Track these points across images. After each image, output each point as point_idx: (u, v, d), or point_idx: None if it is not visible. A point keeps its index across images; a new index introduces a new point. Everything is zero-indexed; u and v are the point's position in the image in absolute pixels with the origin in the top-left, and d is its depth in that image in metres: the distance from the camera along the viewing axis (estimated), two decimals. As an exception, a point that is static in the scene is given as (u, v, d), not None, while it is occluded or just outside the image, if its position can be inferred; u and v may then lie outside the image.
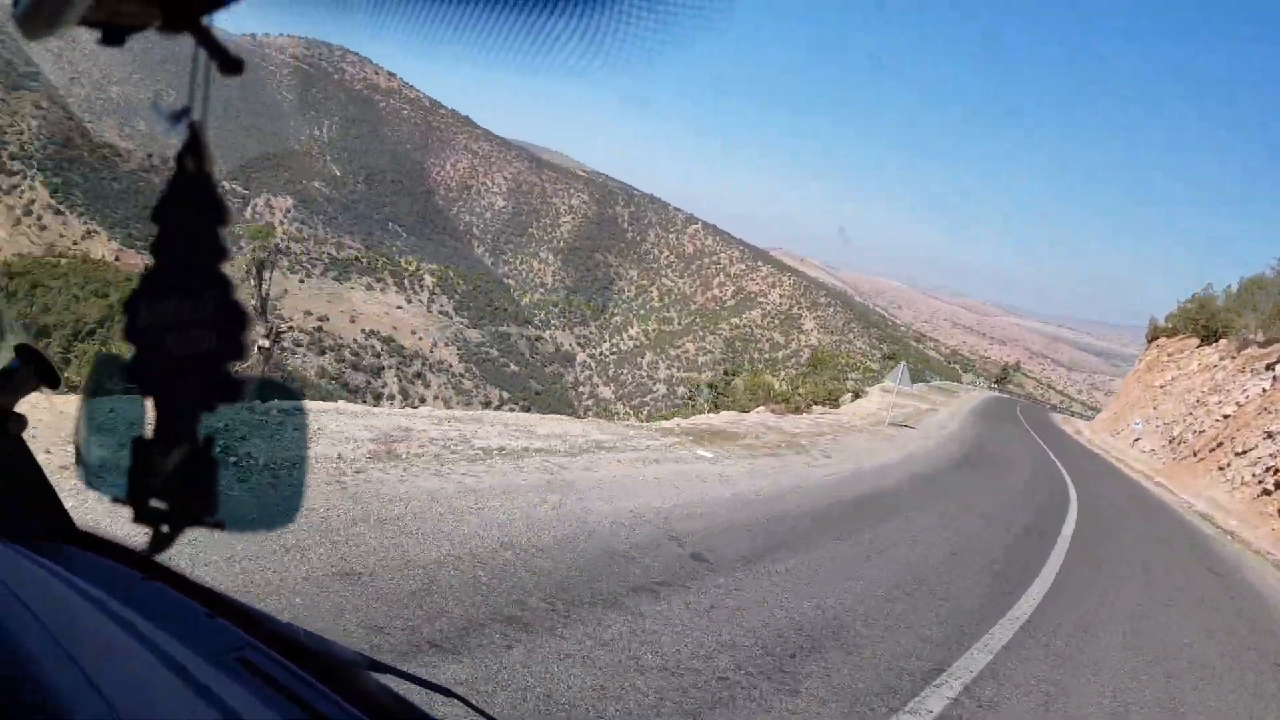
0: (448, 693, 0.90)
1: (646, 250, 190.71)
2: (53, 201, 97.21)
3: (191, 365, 0.47)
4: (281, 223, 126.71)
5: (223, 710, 0.70)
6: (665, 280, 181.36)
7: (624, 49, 0.44)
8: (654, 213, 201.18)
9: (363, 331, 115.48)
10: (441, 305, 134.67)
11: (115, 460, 0.52)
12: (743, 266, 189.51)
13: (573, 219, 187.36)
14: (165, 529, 0.49)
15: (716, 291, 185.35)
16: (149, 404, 0.48)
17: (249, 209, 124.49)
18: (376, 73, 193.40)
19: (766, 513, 7.27)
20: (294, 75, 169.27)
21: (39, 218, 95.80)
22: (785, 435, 12.72)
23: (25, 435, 0.94)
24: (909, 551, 7.06)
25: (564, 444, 8.00)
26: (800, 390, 21.46)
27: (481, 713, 0.86)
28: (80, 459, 0.73)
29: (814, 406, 20.38)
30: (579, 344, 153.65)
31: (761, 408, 18.67)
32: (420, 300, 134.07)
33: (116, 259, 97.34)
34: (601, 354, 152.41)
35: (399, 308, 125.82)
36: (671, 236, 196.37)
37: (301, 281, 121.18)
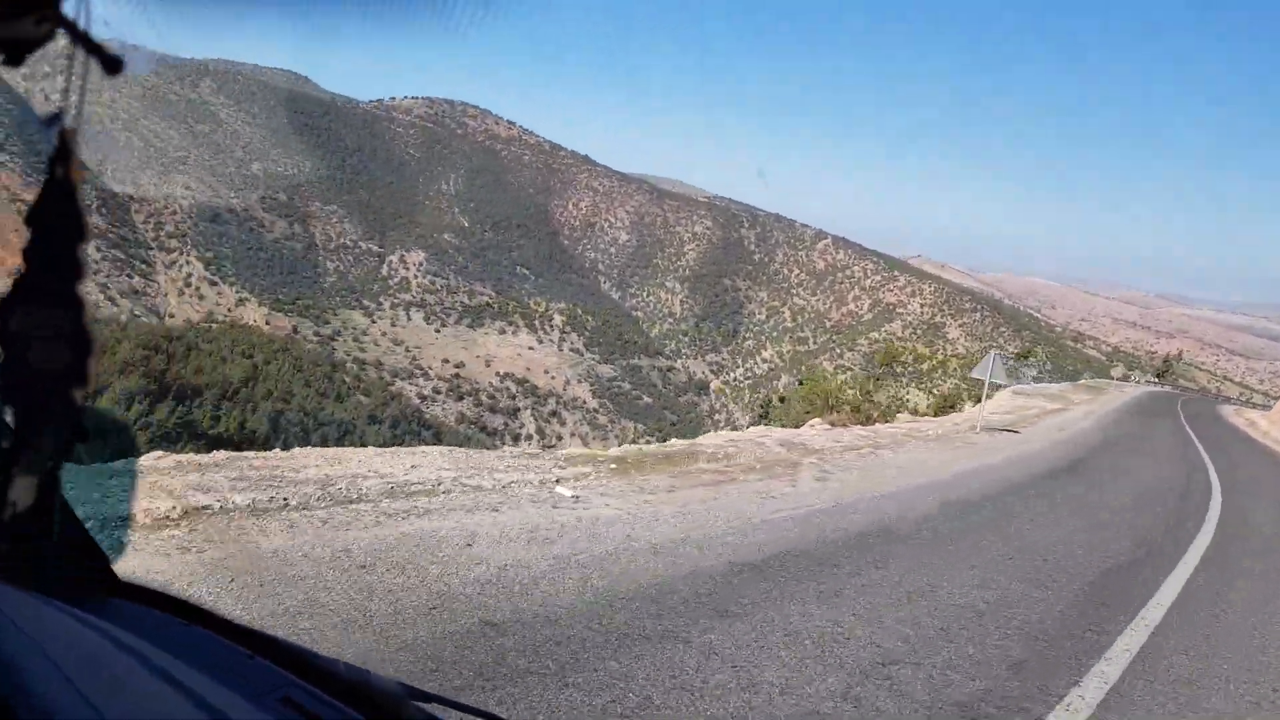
0: (494, 718, 0.90)
1: (775, 270, 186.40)
2: (207, 273, 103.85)
3: (48, 383, 0.47)
4: (415, 276, 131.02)
5: None
6: (797, 299, 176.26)
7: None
8: (780, 231, 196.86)
9: (497, 375, 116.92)
10: (572, 343, 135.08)
11: None
12: (879, 278, 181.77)
13: (697, 246, 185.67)
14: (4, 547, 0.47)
15: (852, 306, 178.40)
16: (8, 414, 0.47)
17: (384, 266, 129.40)
18: (497, 123, 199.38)
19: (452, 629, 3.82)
20: (419, 134, 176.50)
21: (197, 289, 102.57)
22: (786, 455, 9.37)
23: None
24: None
25: (348, 488, 5.20)
26: (875, 396, 18.17)
27: None
28: None
29: (899, 414, 17.19)
30: (712, 371, 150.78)
31: (818, 420, 15.39)
32: (551, 340, 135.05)
33: (266, 323, 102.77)
34: (735, 379, 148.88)
35: (531, 349, 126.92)
36: (801, 254, 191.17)
37: (438, 331, 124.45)
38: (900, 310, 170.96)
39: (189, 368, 28.71)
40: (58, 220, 0.44)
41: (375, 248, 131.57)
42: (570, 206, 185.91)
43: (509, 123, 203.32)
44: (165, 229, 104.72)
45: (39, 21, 0.43)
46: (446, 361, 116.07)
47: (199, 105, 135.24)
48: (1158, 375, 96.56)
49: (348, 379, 51.22)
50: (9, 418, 0.51)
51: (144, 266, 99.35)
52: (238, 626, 0.92)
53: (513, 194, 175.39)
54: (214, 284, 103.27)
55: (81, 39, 0.43)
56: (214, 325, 72.30)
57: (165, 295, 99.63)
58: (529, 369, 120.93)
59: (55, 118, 0.43)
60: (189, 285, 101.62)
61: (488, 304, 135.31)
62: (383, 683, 0.84)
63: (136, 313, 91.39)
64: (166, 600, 1.00)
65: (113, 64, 0.43)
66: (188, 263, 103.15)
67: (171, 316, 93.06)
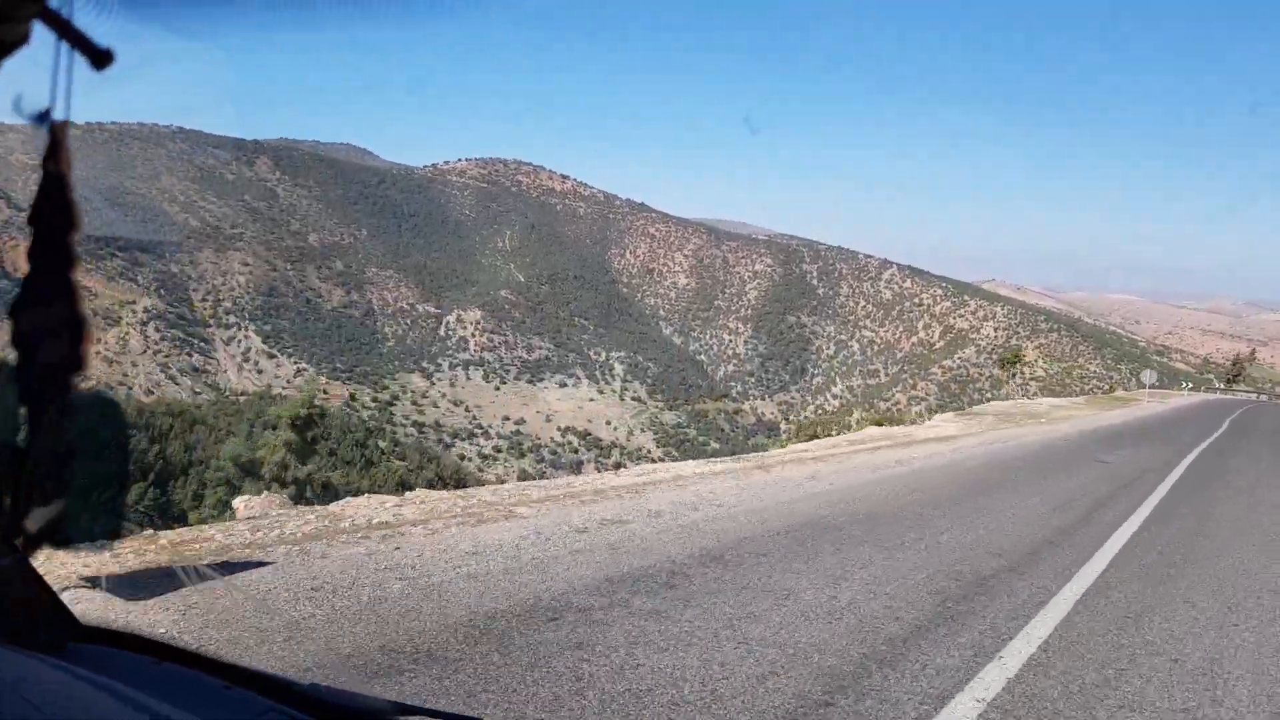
0: None
1: (841, 304, 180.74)
2: (265, 347, 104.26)
3: (48, 374, 0.47)
4: (473, 335, 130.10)
5: None
6: (865, 331, 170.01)
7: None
8: (844, 264, 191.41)
9: (559, 429, 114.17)
10: (634, 392, 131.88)
11: None
12: (948, 304, 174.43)
13: (759, 285, 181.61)
14: (22, 546, 0.50)
15: (923, 335, 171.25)
16: (23, 411, 0.48)
17: (442, 326, 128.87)
18: (550, 177, 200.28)
19: None
20: (474, 195, 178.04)
21: (255, 363, 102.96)
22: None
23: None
24: None
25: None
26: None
27: None
28: None
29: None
30: (781, 410, 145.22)
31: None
32: (613, 390, 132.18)
33: (324, 391, 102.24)
34: (805, 418, 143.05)
35: (591, 400, 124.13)
36: (866, 285, 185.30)
37: (497, 389, 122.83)
38: (973, 335, 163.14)
39: (179, 445, 26.30)
40: (53, 214, 0.46)
41: (432, 309, 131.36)
42: (627, 254, 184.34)
43: (562, 176, 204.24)
44: (223, 305, 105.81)
45: (21, 20, 0.42)
46: (507, 419, 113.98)
47: (255, 183, 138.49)
48: (1226, 381, 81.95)
49: (382, 444, 48.49)
50: (23, 418, 0.51)
51: (203, 344, 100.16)
52: (211, 660, 0.92)
53: (569, 246, 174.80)
54: (272, 356, 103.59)
55: (66, 32, 0.43)
56: (241, 398, 71.11)
57: (225, 371, 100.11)
58: (590, 421, 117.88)
59: (44, 114, 0.43)
60: (247, 359, 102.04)
61: (546, 358, 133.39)
62: (368, 701, 0.83)
63: (197, 390, 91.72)
64: (134, 640, 0.99)
65: (101, 57, 0.42)
66: (246, 337, 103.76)
67: (231, 392, 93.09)
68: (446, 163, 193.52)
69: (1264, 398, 70.48)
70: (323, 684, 0.83)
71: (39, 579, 0.90)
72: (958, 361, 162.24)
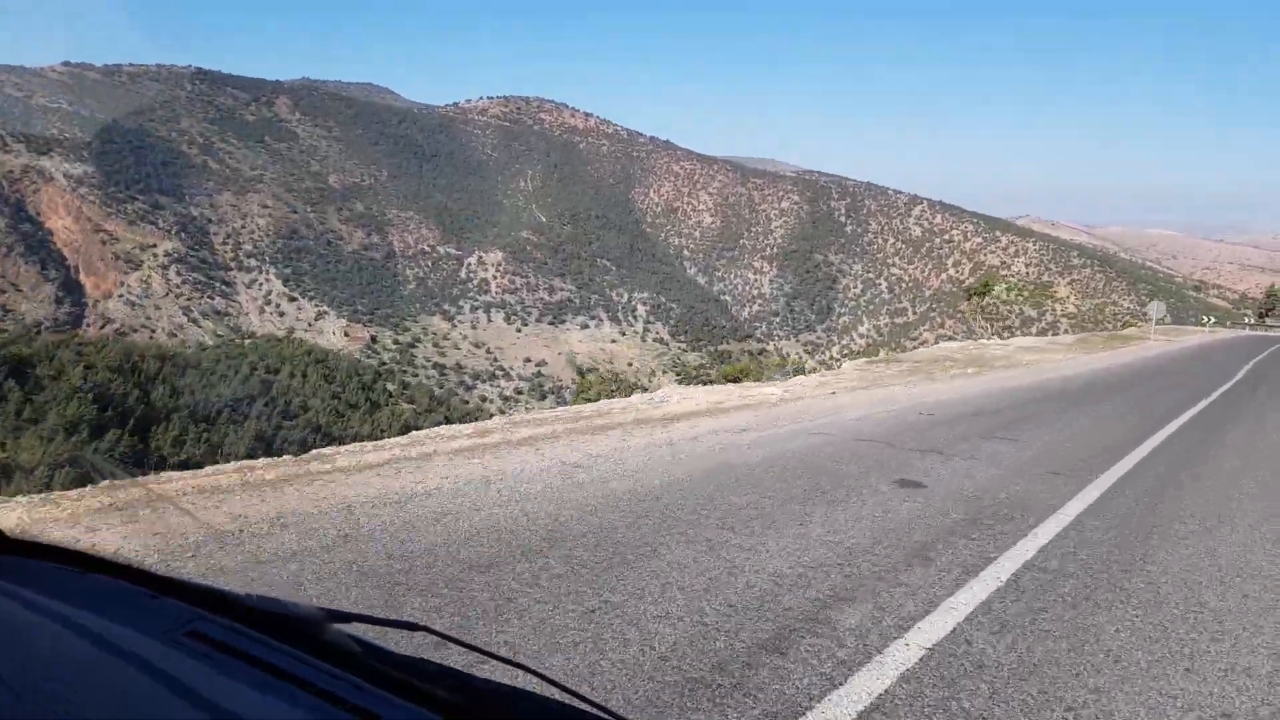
0: (413, 626, 0.89)
1: (869, 241, 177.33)
2: (286, 290, 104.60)
3: None
4: (495, 276, 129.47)
5: (173, 684, 0.71)
6: (893, 270, 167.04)
7: None
8: (872, 200, 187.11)
9: (578, 370, 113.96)
10: (656, 333, 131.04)
11: None
12: (979, 240, 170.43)
13: (785, 223, 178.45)
14: None
15: (952, 272, 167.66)
16: None
17: (463, 269, 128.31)
18: (573, 115, 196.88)
19: None
20: (496, 134, 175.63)
21: (277, 305, 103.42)
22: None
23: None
24: None
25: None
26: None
27: (448, 638, 0.87)
28: None
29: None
30: (806, 351, 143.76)
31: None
32: (635, 330, 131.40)
33: (345, 334, 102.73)
34: (832, 358, 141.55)
35: (613, 341, 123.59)
36: (895, 222, 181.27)
37: (519, 331, 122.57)
38: (1004, 272, 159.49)
39: (163, 391, 26.03)
40: None
41: (453, 251, 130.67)
42: (651, 193, 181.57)
43: (585, 114, 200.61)
44: (244, 248, 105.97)
45: None
46: (528, 360, 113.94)
47: (275, 123, 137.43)
48: (1259, 316, 73.74)
49: (390, 387, 48.33)
50: None
51: (225, 287, 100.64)
52: (138, 570, 0.91)
53: (591, 186, 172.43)
54: (293, 299, 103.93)
55: None
56: (238, 341, 71.38)
57: (247, 314, 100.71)
58: (612, 362, 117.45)
59: None
60: (269, 303, 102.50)
61: (568, 299, 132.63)
62: (299, 608, 0.82)
63: (219, 333, 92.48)
64: (61, 552, 0.98)
65: None
66: (267, 280, 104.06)
67: (253, 335, 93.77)
68: (468, 101, 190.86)
69: None
70: (253, 594, 0.83)
71: None
72: (989, 300, 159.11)
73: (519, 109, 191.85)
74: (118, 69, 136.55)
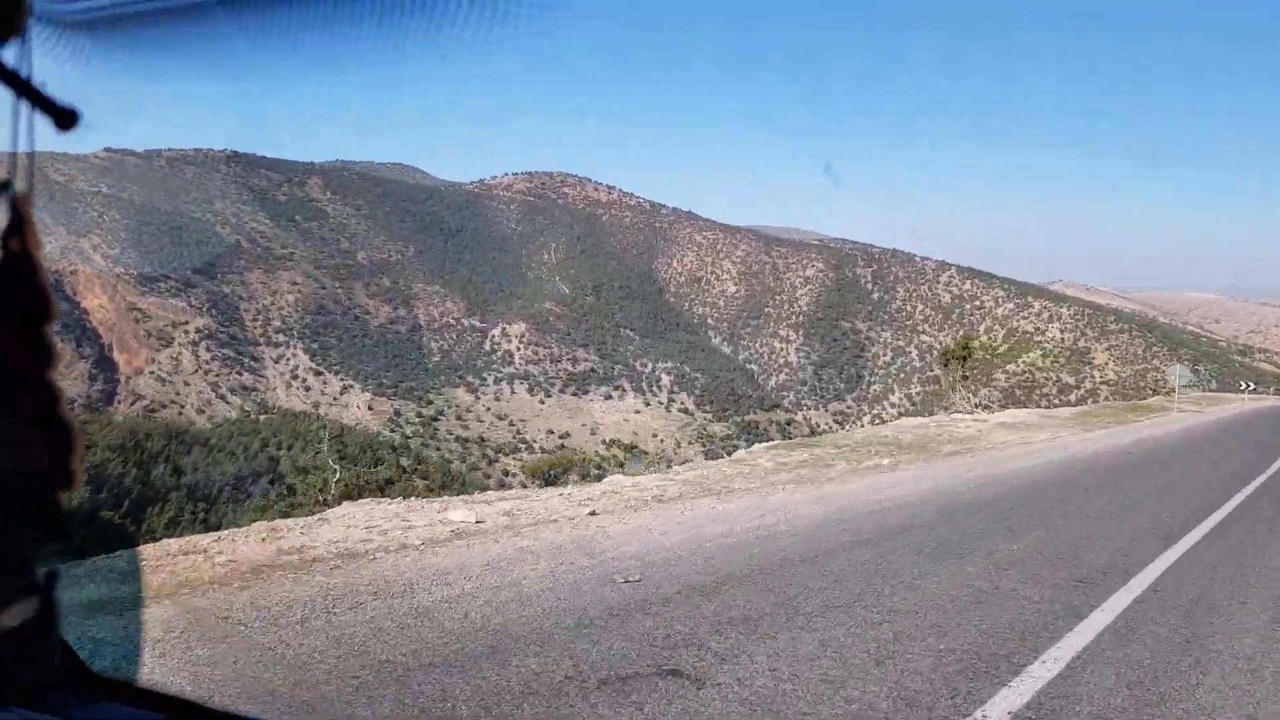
0: None
1: (897, 308, 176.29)
2: (313, 364, 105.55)
3: (21, 487, 0.40)
4: (518, 348, 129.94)
5: None
6: (924, 337, 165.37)
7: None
8: (899, 267, 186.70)
9: (603, 442, 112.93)
10: (681, 403, 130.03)
11: None
12: (1011, 306, 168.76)
13: (810, 290, 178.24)
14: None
15: (984, 338, 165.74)
16: None
17: (487, 341, 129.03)
18: (596, 189, 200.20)
19: None
20: (520, 208, 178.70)
21: (303, 380, 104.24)
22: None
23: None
24: None
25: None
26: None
27: None
28: None
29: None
30: (836, 421, 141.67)
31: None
32: (659, 401, 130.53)
33: (370, 407, 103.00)
34: (863, 428, 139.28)
35: (637, 412, 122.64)
36: (924, 289, 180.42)
37: (542, 402, 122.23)
38: (1038, 338, 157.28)
39: (164, 470, 25.69)
40: (22, 301, 0.39)
41: (478, 323, 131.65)
42: (674, 263, 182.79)
43: (609, 187, 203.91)
44: (273, 324, 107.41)
45: None
46: (551, 432, 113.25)
47: (306, 203, 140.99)
48: None
49: (404, 462, 47.68)
50: None
51: (253, 363, 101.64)
52: (215, 712, 0.87)
53: (615, 257, 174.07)
54: (319, 374, 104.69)
55: (27, 92, 0.39)
56: (253, 416, 71.61)
57: (274, 389, 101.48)
58: (636, 433, 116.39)
59: (4, 185, 0.37)
60: (295, 377, 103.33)
61: (592, 370, 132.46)
62: None
63: (246, 408, 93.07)
64: (144, 694, 0.95)
65: (65, 117, 0.38)
66: (294, 355, 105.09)
67: (274, 409, 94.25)
68: (493, 178, 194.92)
69: None
70: None
71: (55, 625, 0.77)
72: (1022, 365, 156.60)
73: (543, 184, 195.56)
74: (157, 154, 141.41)
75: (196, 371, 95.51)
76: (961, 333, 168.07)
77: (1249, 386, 46.52)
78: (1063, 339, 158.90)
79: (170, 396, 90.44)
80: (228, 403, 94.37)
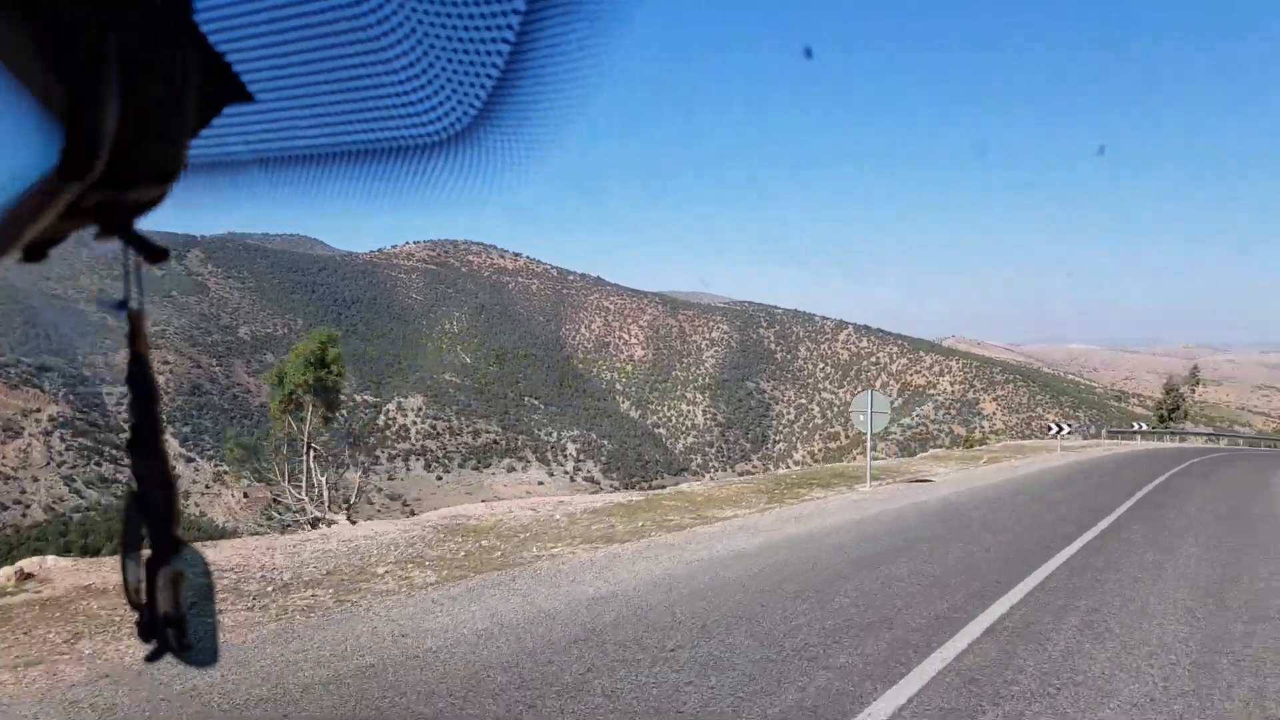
0: None
1: (799, 367, 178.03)
2: (183, 450, 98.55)
3: (154, 513, 0.55)
4: (414, 423, 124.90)
5: None
6: (824, 394, 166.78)
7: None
8: (800, 326, 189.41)
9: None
10: (587, 471, 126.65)
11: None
12: (905, 361, 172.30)
13: (716, 352, 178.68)
14: (157, 646, 0.55)
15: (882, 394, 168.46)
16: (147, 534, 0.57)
17: (381, 416, 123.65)
18: (502, 256, 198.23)
19: None
20: (422, 278, 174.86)
21: (172, 467, 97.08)
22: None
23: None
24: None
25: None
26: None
27: None
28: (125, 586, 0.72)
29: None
30: (743, 481, 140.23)
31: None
32: (565, 470, 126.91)
33: (245, 494, 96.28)
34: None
35: (540, 484, 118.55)
36: (823, 347, 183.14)
37: (439, 479, 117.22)
38: (931, 391, 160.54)
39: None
40: (141, 386, 0.52)
41: (370, 398, 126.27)
42: (582, 329, 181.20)
43: (514, 254, 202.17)
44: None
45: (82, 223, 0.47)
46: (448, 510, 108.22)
47: (184, 277, 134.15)
48: (1161, 418, 52.93)
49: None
50: (146, 534, 0.59)
51: (114, 452, 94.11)
52: None
53: (520, 324, 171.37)
54: (190, 460, 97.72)
55: (126, 234, 0.49)
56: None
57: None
58: (535, 508, 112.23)
59: (122, 303, 0.49)
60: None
61: (494, 441, 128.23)
62: None
63: (103, 502, 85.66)
64: None
65: (157, 254, 0.48)
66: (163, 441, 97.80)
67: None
68: (394, 246, 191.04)
69: (1239, 443, 49.75)
70: None
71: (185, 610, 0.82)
72: (916, 418, 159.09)
73: (446, 252, 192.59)
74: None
75: (48, 464, 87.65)
76: (860, 388, 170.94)
77: (1060, 430, 32.85)
78: (953, 391, 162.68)
79: (14, 495, 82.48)
80: (82, 498, 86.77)
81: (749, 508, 11.82)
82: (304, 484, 27.18)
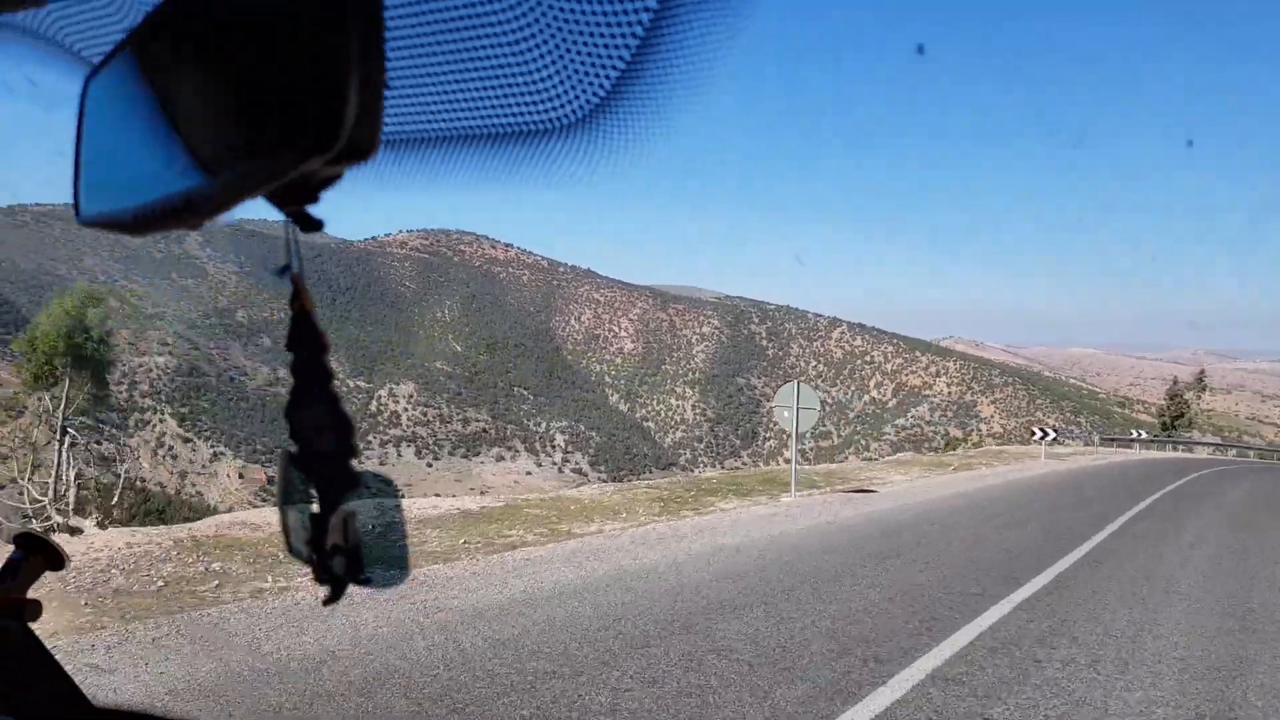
0: None
1: (791, 364, 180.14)
2: (181, 430, 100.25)
3: (327, 459, 0.54)
4: (406, 409, 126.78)
5: None
6: (817, 392, 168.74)
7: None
8: (793, 323, 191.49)
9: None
10: (575, 463, 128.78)
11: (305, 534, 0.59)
12: (900, 361, 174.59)
13: (706, 347, 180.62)
14: (335, 586, 0.54)
15: (875, 394, 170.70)
16: (313, 490, 0.55)
17: (373, 402, 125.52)
18: (494, 246, 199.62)
19: None
20: (414, 266, 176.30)
21: (170, 448, 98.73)
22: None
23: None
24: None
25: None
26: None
27: None
28: (288, 542, 0.68)
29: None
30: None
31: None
32: (553, 461, 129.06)
33: (240, 476, 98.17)
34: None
35: (528, 474, 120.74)
36: (816, 344, 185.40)
37: (429, 465, 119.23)
38: (926, 392, 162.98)
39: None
40: (306, 341, 0.51)
41: (363, 384, 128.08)
42: (572, 320, 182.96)
43: (506, 245, 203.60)
44: (140, 388, 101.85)
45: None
46: (438, 495, 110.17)
47: (184, 260, 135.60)
48: (1165, 426, 50.17)
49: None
50: (312, 488, 0.58)
51: (114, 431, 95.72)
52: None
53: (511, 315, 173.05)
54: (188, 441, 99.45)
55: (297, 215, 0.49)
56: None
57: (138, 458, 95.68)
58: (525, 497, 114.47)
59: (285, 268, 0.50)
60: (161, 445, 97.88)
61: (484, 430, 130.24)
62: None
63: (104, 481, 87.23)
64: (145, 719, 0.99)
65: (313, 225, 0.48)
66: (161, 421, 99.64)
67: (143, 480, 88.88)
68: (387, 235, 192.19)
69: (1251, 455, 44.89)
70: None
71: (51, 659, 0.89)
72: (911, 419, 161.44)
73: (439, 241, 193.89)
74: (22, 208, 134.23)
75: (48, 444, 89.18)
76: (854, 387, 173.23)
77: (1043, 437, 30.01)
78: (949, 392, 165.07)
79: (9, 476, 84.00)
80: (81, 477, 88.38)
81: (627, 521, 10.30)
82: (53, 478, 23.27)
